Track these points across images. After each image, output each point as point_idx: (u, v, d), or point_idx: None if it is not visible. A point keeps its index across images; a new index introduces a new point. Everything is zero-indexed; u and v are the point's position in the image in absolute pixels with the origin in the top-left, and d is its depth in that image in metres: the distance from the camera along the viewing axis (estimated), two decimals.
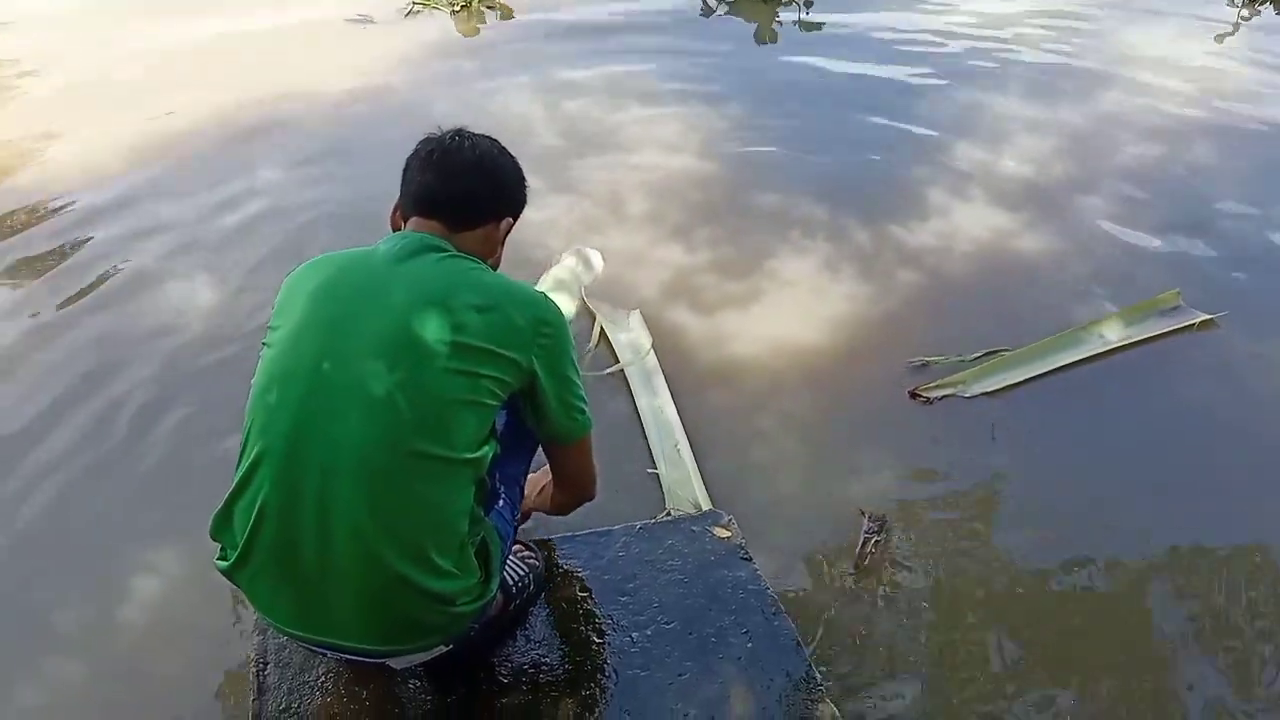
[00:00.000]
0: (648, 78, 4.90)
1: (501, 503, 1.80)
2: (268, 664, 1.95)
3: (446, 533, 1.61)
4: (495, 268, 1.82)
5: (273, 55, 5.25)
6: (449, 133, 1.80)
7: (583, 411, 1.81)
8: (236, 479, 1.61)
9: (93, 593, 2.34)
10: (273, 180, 4.09)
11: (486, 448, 1.66)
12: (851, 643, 2.21)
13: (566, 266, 3.36)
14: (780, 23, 5.73)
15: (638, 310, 3.21)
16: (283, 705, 1.88)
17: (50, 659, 2.20)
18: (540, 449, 1.90)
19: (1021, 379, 2.97)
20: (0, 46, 5.60)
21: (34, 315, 3.26)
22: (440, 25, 5.79)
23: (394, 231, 1.79)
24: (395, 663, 1.73)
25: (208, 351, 3.07)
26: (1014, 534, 2.49)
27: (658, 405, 2.87)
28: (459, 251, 1.72)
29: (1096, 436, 2.80)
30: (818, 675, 1.97)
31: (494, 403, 1.65)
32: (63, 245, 3.65)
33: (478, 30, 5.78)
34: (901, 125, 4.47)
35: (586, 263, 3.36)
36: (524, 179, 1.88)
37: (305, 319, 1.63)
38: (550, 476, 2.02)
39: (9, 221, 3.80)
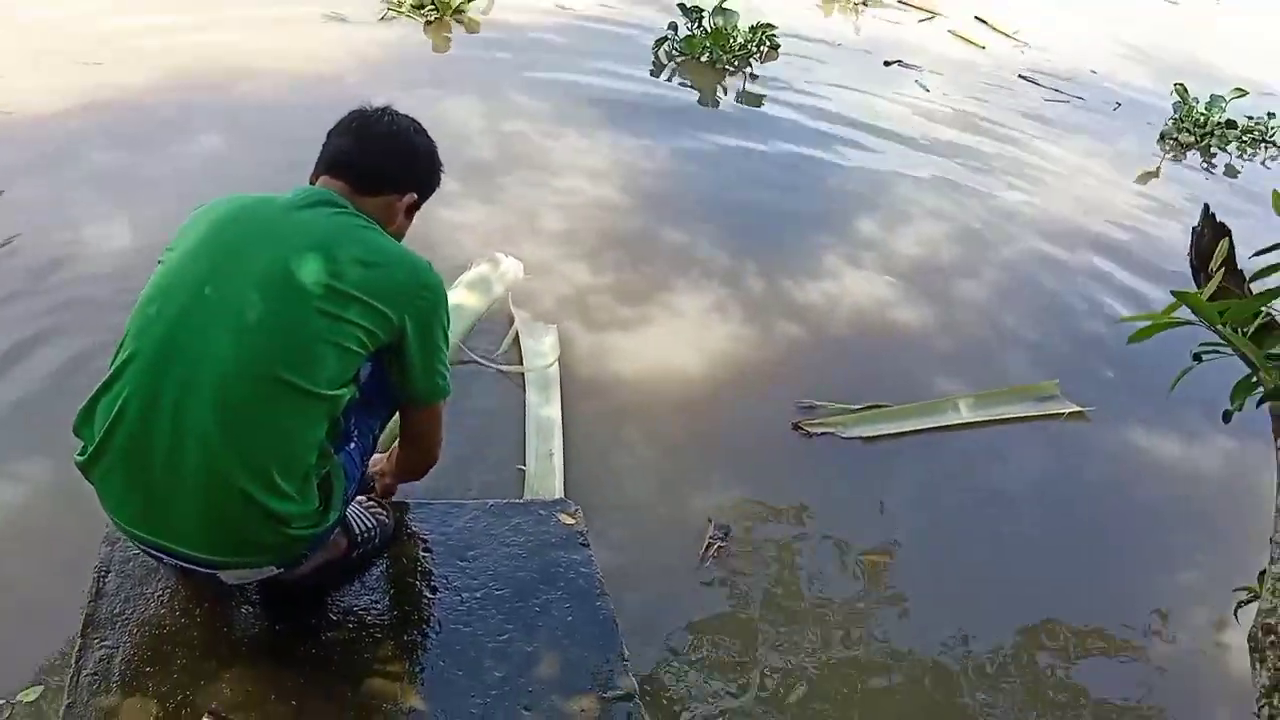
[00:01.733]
0: (589, 112, 5.11)
1: (353, 445, 1.94)
2: (110, 572, 2.06)
3: (293, 459, 1.75)
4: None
5: (235, 36, 5.36)
6: (376, 107, 1.99)
7: (444, 377, 1.96)
8: (105, 377, 1.73)
9: None
10: (206, 140, 4.25)
11: (345, 390, 1.80)
12: (671, 632, 2.40)
13: (482, 271, 3.52)
14: (725, 90, 6.02)
15: (555, 326, 3.37)
16: (116, 610, 1.98)
17: None
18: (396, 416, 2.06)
19: (898, 431, 3.21)
20: None
21: None
22: (408, 32, 5.96)
23: None
24: (226, 576, 1.84)
25: (95, 283, 3.20)
26: (850, 562, 2.72)
27: (545, 410, 3.02)
28: (357, 212, 1.88)
29: (947, 494, 3.06)
30: (625, 652, 2.13)
31: (359, 349, 1.79)
32: None
33: (443, 41, 5.98)
34: (813, 193, 4.73)
35: (503, 270, 3.54)
36: (437, 162, 2.06)
37: (198, 245, 1.78)
38: (397, 448, 2.18)
39: None
